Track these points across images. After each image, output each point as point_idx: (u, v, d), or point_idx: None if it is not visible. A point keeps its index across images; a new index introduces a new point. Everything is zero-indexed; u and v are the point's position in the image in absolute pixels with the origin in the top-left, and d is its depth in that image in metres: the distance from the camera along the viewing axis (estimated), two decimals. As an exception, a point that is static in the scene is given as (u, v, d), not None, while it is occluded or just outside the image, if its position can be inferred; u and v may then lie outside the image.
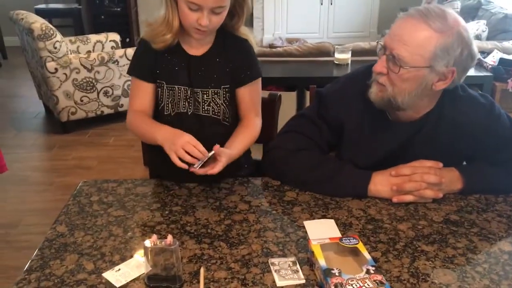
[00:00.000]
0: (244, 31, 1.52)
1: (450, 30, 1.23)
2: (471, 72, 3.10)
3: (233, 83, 1.51)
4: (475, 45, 1.27)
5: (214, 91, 1.49)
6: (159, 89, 1.50)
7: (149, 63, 1.49)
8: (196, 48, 1.49)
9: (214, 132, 1.49)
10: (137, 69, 1.52)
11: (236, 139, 1.47)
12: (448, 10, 1.25)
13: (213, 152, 1.32)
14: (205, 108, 1.50)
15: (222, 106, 1.51)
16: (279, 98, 1.82)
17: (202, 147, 1.31)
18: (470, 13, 4.77)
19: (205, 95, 1.49)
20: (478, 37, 4.07)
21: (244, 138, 1.49)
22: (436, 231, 1.24)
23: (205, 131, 1.48)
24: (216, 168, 1.31)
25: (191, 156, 1.30)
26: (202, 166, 1.32)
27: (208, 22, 1.36)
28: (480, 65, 3.22)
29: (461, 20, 1.26)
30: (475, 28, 4.16)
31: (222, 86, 1.50)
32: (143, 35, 1.50)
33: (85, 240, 1.20)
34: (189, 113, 1.50)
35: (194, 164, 1.31)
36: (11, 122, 4.23)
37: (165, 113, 1.50)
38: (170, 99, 1.49)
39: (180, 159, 1.31)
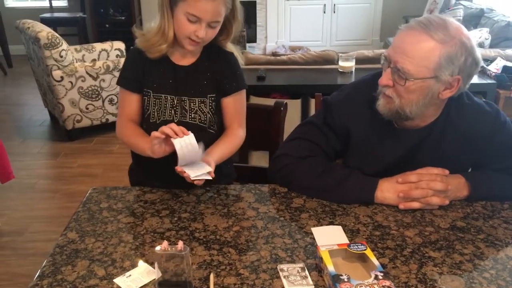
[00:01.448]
0: (230, 47, 1.57)
1: (453, 39, 1.24)
2: (475, 80, 3.14)
3: (218, 93, 1.56)
4: (479, 51, 1.29)
5: (200, 99, 1.53)
6: (146, 98, 1.54)
7: (137, 74, 1.54)
8: (184, 59, 1.54)
9: (200, 139, 1.51)
10: (124, 80, 1.57)
11: (216, 147, 1.50)
12: (449, 19, 1.27)
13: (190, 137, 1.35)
14: (192, 116, 1.53)
15: (209, 115, 1.55)
16: (285, 106, 1.84)
17: (176, 127, 1.33)
18: (472, 21, 4.80)
19: (192, 103, 1.53)
20: (481, 45, 4.10)
21: (224, 147, 1.52)
22: (443, 238, 1.25)
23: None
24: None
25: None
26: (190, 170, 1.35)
27: (204, 35, 1.41)
28: (483, 72, 3.24)
29: (463, 28, 1.28)
30: (478, 36, 4.18)
31: (209, 95, 1.54)
32: (136, 44, 1.54)
33: (95, 247, 1.21)
34: (175, 121, 1.53)
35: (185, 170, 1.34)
36: (17, 130, 4.26)
37: (151, 120, 1.54)
38: (156, 107, 1.53)
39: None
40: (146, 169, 1.62)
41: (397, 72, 1.28)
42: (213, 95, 1.54)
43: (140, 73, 1.53)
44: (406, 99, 1.30)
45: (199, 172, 1.34)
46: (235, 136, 1.56)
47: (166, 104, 1.53)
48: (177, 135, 1.33)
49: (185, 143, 1.33)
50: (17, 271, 2.44)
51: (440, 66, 1.25)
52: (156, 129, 1.40)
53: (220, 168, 1.52)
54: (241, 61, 1.60)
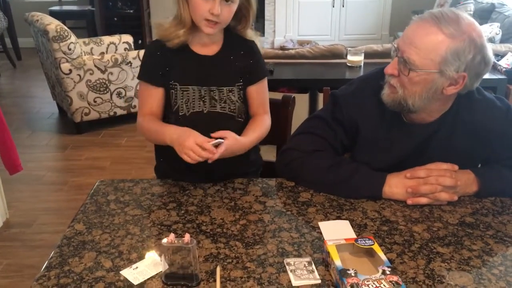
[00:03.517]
0: (250, 34, 1.57)
1: (462, 35, 1.23)
2: (485, 75, 3.11)
3: (244, 82, 1.55)
4: (490, 50, 1.27)
5: (228, 89, 1.53)
6: (173, 91, 1.52)
7: (159, 67, 1.52)
8: (207, 48, 1.52)
9: (229, 128, 1.50)
10: (146, 74, 1.55)
11: (248, 130, 1.53)
12: (463, 14, 1.26)
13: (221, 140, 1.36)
14: (222, 106, 1.53)
15: (237, 103, 1.54)
16: (293, 100, 1.83)
17: (208, 145, 1.34)
18: (483, 16, 4.75)
19: (220, 93, 1.52)
20: (491, 40, 4.05)
21: (256, 130, 1.54)
22: (452, 233, 1.24)
23: (220, 128, 1.49)
24: (216, 154, 1.35)
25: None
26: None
27: (220, 11, 1.39)
28: (494, 68, 3.20)
29: (475, 25, 1.25)
30: (488, 31, 4.14)
31: (236, 84, 1.54)
32: (155, 36, 1.53)
33: (102, 238, 1.22)
34: (205, 112, 1.52)
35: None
36: (26, 122, 4.28)
37: (181, 113, 1.52)
38: (184, 100, 1.51)
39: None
40: (170, 164, 1.58)
41: (403, 62, 1.27)
42: (240, 83, 1.55)
43: (162, 66, 1.51)
44: (409, 91, 1.29)
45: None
46: (262, 122, 1.58)
47: (194, 96, 1.51)
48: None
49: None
50: (25, 262, 2.46)
51: (446, 60, 1.23)
52: (186, 122, 1.45)
53: (248, 155, 1.55)
54: (260, 48, 1.60)
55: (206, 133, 1.40)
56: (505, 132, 1.37)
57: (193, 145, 1.33)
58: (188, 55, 1.51)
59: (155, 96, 1.53)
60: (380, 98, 1.37)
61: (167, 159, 1.60)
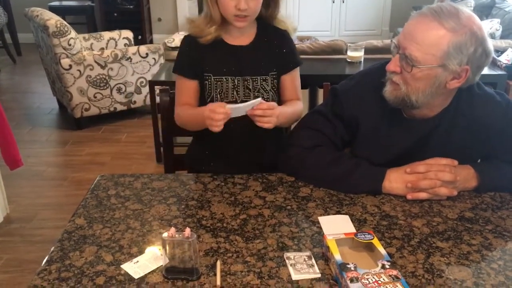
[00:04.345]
0: (281, 18, 1.59)
1: (463, 28, 1.23)
2: (485, 70, 3.09)
3: (278, 71, 1.57)
4: (490, 42, 1.27)
5: (262, 78, 1.55)
6: (206, 82, 1.55)
7: (193, 60, 1.55)
8: (240, 39, 1.55)
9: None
10: (180, 67, 1.58)
11: (285, 105, 1.57)
12: (462, 8, 1.26)
13: (258, 100, 1.37)
14: (256, 95, 1.55)
15: (271, 92, 1.57)
16: (294, 95, 1.83)
17: (223, 109, 1.35)
18: (483, 12, 4.74)
19: (254, 82, 1.55)
20: (492, 36, 4.05)
21: (291, 106, 1.58)
22: (451, 228, 1.25)
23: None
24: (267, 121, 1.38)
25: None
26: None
27: (247, 6, 1.42)
28: (494, 63, 3.20)
29: (475, 18, 1.26)
30: (488, 26, 4.13)
31: (270, 73, 1.56)
32: (188, 31, 1.56)
33: (103, 233, 1.22)
34: (238, 101, 1.54)
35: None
36: (26, 118, 4.28)
37: None
38: (218, 90, 1.54)
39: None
40: (209, 149, 1.65)
41: (405, 59, 1.27)
42: (274, 72, 1.57)
43: (196, 59, 1.54)
44: (412, 87, 1.29)
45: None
46: (296, 102, 1.61)
47: (228, 86, 1.54)
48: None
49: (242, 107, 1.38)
50: (25, 257, 2.46)
51: (448, 54, 1.23)
52: None
53: (275, 147, 1.60)
54: (292, 32, 1.62)
55: (240, 122, 1.43)
56: (504, 128, 1.38)
57: (210, 107, 1.36)
58: (222, 46, 1.54)
59: (189, 88, 1.57)
60: (381, 94, 1.37)
61: (204, 144, 1.66)
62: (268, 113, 1.38)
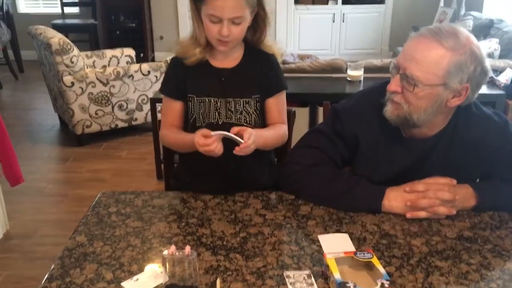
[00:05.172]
0: (268, 42, 1.61)
1: (463, 48, 1.25)
2: (484, 90, 3.13)
3: (262, 94, 1.59)
4: (488, 60, 1.30)
5: (245, 100, 1.56)
6: (190, 103, 1.57)
7: (179, 81, 1.57)
8: (225, 62, 1.57)
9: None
10: (167, 88, 1.61)
11: (263, 129, 1.57)
12: (460, 28, 1.28)
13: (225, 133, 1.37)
14: (238, 117, 1.56)
15: (253, 115, 1.58)
16: (293, 114, 1.85)
17: (211, 140, 1.36)
18: (482, 32, 4.79)
19: (237, 104, 1.56)
20: (490, 56, 4.08)
21: (272, 129, 1.58)
22: (450, 247, 1.25)
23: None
24: (242, 148, 1.36)
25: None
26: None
27: (229, 32, 1.44)
28: (492, 83, 3.23)
29: (473, 37, 1.28)
30: (487, 46, 4.17)
31: (253, 96, 1.57)
32: (174, 53, 1.59)
33: (104, 250, 1.22)
34: (220, 123, 1.55)
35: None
36: (27, 134, 4.30)
37: (197, 124, 1.57)
38: (201, 111, 1.56)
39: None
40: (193, 171, 1.65)
41: (406, 79, 1.29)
42: (257, 95, 1.58)
43: (182, 80, 1.57)
44: (414, 106, 1.31)
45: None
46: (279, 126, 1.61)
47: (210, 107, 1.55)
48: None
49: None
50: (25, 274, 2.45)
51: (449, 73, 1.26)
52: None
53: (264, 169, 1.63)
54: (279, 57, 1.64)
55: (226, 147, 1.41)
56: (502, 147, 1.39)
57: (199, 138, 1.37)
58: (206, 68, 1.56)
59: (175, 109, 1.59)
60: (380, 113, 1.39)
61: (190, 165, 1.66)
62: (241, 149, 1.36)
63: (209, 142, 1.36)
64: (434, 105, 1.31)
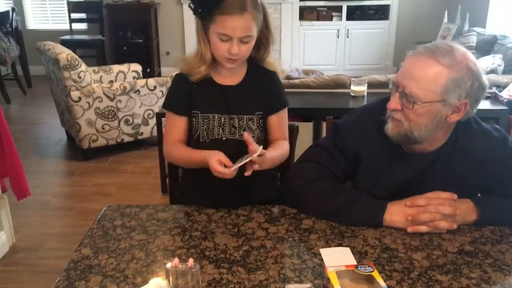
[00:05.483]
0: (271, 60, 1.64)
1: (459, 64, 1.28)
2: (487, 105, 3.15)
3: (265, 111, 1.62)
4: (485, 76, 1.32)
5: (248, 117, 1.60)
6: (194, 119, 1.59)
7: (183, 97, 1.60)
8: (230, 79, 1.60)
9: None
10: (171, 104, 1.63)
11: (270, 148, 1.58)
12: (456, 45, 1.31)
13: (248, 159, 1.39)
14: (241, 133, 1.59)
15: (256, 131, 1.61)
16: (297, 129, 1.87)
17: (229, 171, 1.40)
18: (485, 48, 4.81)
19: (240, 121, 1.59)
20: (494, 71, 4.10)
21: (278, 148, 1.60)
22: (451, 261, 1.26)
23: (238, 155, 1.53)
24: (250, 169, 1.40)
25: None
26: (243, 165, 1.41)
27: (238, 50, 1.47)
28: (495, 99, 3.24)
29: (469, 54, 1.31)
30: (491, 62, 4.19)
31: (257, 113, 1.60)
32: (179, 69, 1.62)
33: (108, 263, 1.25)
34: (224, 139, 1.58)
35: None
36: (35, 148, 4.35)
37: (201, 140, 1.60)
38: (205, 127, 1.59)
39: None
40: (197, 185, 1.67)
41: (405, 97, 1.32)
42: (260, 112, 1.61)
43: (187, 96, 1.59)
44: (415, 123, 1.33)
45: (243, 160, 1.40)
46: (282, 143, 1.64)
47: (214, 123, 1.58)
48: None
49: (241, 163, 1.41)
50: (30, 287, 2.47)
51: (447, 90, 1.28)
52: (206, 148, 1.52)
53: (267, 184, 1.66)
54: (281, 74, 1.68)
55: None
56: (502, 162, 1.41)
57: (216, 165, 1.40)
58: (210, 85, 1.59)
59: (180, 125, 1.62)
60: (381, 129, 1.41)
61: (193, 179, 1.68)
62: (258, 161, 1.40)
63: (227, 172, 1.39)
64: (434, 121, 1.33)
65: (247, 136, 1.41)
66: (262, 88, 1.62)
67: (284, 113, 1.68)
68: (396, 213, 1.40)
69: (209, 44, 1.52)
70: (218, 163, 1.40)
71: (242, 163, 1.39)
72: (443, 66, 1.28)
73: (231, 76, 1.60)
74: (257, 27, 1.49)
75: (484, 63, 4.21)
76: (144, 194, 3.48)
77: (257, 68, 1.63)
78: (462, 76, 1.28)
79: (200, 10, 1.47)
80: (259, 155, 1.38)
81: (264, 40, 1.57)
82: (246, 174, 1.40)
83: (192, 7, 1.49)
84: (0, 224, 2.75)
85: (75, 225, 3.09)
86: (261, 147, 1.40)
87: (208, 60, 1.54)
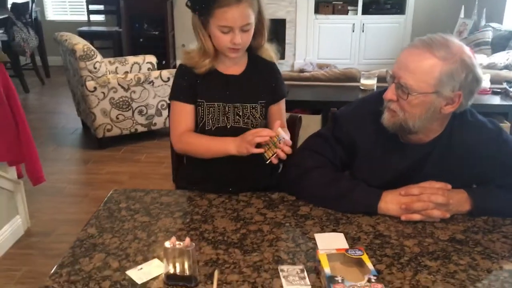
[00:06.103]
0: (266, 46, 1.70)
1: (454, 57, 1.31)
2: (497, 101, 3.15)
3: (267, 100, 1.68)
4: (480, 69, 1.35)
5: (252, 105, 1.66)
6: (199, 108, 1.65)
7: (190, 86, 1.65)
8: (233, 68, 1.66)
9: None
10: (178, 94, 1.67)
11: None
12: (452, 38, 1.35)
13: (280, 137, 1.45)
14: (245, 121, 1.65)
15: (259, 119, 1.67)
16: (299, 120, 1.92)
17: (266, 131, 1.46)
18: (501, 44, 4.77)
19: (244, 109, 1.65)
20: (508, 67, 4.08)
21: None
22: (441, 249, 1.30)
23: None
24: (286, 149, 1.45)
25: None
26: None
27: (241, 40, 1.53)
28: (506, 94, 3.24)
29: (464, 47, 1.34)
30: (505, 58, 4.17)
31: (259, 101, 1.67)
32: (182, 61, 1.67)
33: (112, 242, 1.31)
34: (228, 127, 1.65)
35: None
36: (51, 136, 4.46)
37: (206, 128, 1.66)
38: (210, 115, 1.65)
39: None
40: (200, 172, 1.73)
41: (401, 87, 1.35)
42: (263, 101, 1.67)
43: (193, 86, 1.65)
44: (409, 113, 1.37)
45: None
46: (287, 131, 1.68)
47: (219, 112, 1.64)
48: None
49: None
50: (42, 270, 2.56)
51: (441, 81, 1.32)
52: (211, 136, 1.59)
53: (270, 170, 1.71)
54: (276, 61, 1.72)
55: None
56: (496, 154, 1.43)
57: (253, 136, 1.45)
58: (215, 75, 1.65)
59: (188, 112, 1.66)
60: (378, 119, 1.45)
61: (196, 166, 1.74)
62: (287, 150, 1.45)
63: (264, 134, 1.44)
64: (428, 112, 1.36)
65: (278, 125, 1.45)
66: (264, 78, 1.68)
67: (284, 103, 1.74)
68: (390, 201, 1.44)
69: (209, 37, 1.57)
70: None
71: (274, 152, 1.44)
72: (437, 58, 1.31)
73: (234, 66, 1.66)
74: (254, 13, 1.55)
75: (498, 59, 4.18)
76: (155, 183, 3.55)
77: (258, 59, 1.69)
78: (456, 68, 1.31)
79: (198, 7, 1.53)
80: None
81: (259, 25, 1.61)
82: (275, 162, 1.46)
83: (190, 4, 1.54)
84: (16, 209, 2.85)
85: (88, 211, 3.15)
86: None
87: (211, 53, 1.59)
